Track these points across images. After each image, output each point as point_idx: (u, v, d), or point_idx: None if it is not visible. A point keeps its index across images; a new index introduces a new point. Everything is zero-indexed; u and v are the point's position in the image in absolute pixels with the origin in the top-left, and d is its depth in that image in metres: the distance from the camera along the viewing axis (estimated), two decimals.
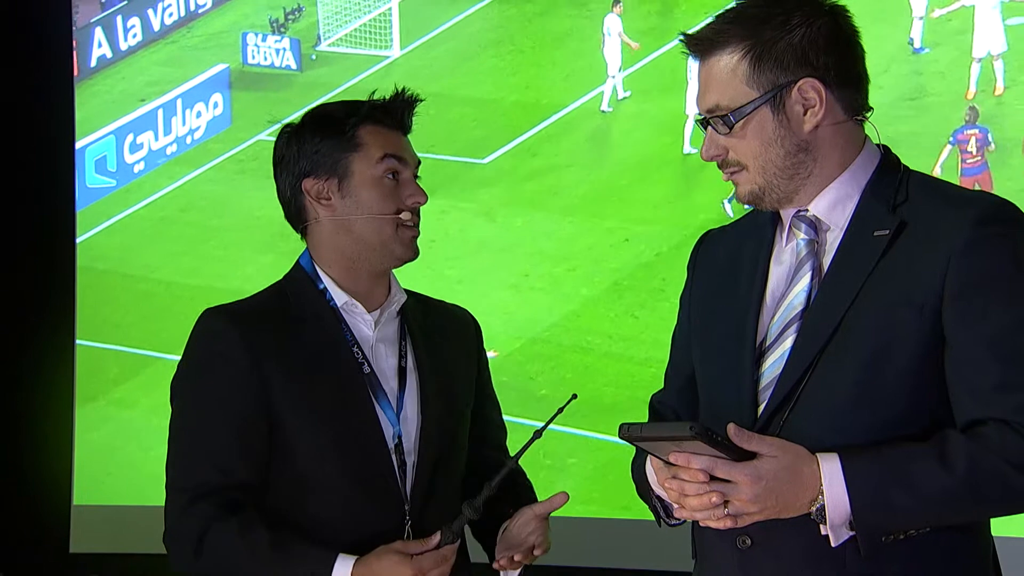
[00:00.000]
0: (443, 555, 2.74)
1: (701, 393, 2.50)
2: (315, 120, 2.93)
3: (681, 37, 2.41)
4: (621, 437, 2.23)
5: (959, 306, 2.25)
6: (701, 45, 2.38)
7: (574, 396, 2.76)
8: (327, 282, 2.90)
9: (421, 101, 2.95)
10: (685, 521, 2.43)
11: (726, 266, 2.49)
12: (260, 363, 2.81)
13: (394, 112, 2.91)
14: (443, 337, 2.99)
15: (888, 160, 2.42)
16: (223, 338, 2.84)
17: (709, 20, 2.42)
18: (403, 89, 2.94)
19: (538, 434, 2.73)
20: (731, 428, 2.23)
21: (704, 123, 2.40)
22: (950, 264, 2.26)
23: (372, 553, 2.74)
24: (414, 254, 2.90)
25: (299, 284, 2.92)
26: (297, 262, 2.95)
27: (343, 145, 2.88)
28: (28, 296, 5.34)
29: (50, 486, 5.21)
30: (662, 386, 2.66)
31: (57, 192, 5.34)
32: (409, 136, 2.96)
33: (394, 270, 2.97)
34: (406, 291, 3.01)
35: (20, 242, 5.37)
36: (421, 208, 2.93)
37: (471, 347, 3.06)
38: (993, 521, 2.37)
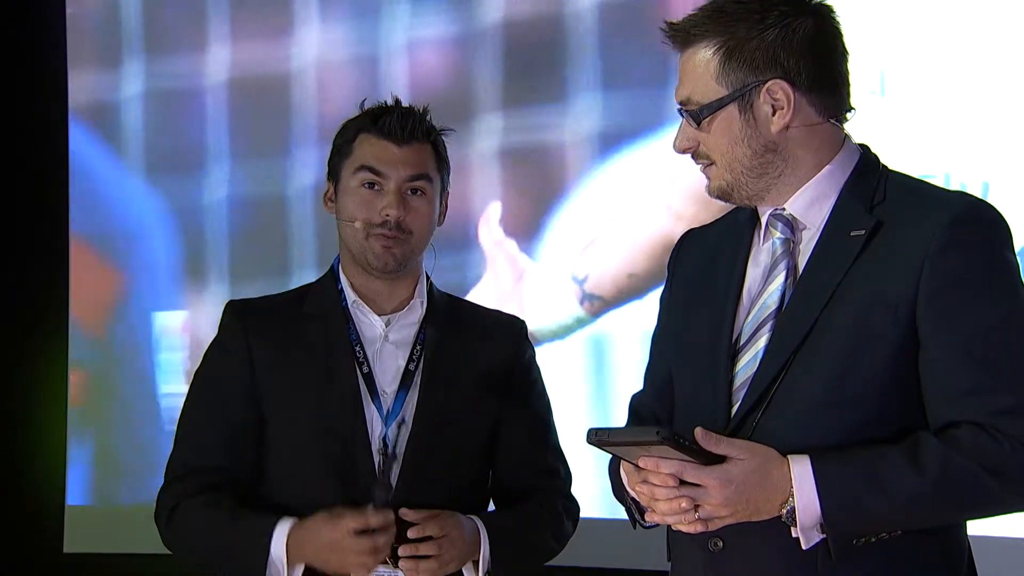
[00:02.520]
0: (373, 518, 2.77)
1: (676, 393, 2.48)
2: (344, 124, 3.00)
3: (662, 26, 2.40)
4: (589, 442, 2.22)
5: (934, 308, 2.24)
6: (679, 36, 2.38)
7: None
8: (344, 281, 2.97)
9: (418, 110, 2.94)
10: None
11: (704, 265, 2.48)
12: (255, 357, 2.93)
13: (384, 123, 2.91)
14: (471, 347, 2.97)
15: (867, 160, 2.40)
16: (228, 330, 2.99)
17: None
18: (397, 100, 2.97)
19: None
20: (698, 432, 2.21)
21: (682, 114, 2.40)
22: (925, 265, 2.24)
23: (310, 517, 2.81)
24: (387, 264, 2.89)
25: (324, 281, 3.01)
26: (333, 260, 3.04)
27: (343, 150, 2.96)
28: (22, 297, 5.34)
29: (43, 486, 5.21)
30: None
31: (49, 194, 5.34)
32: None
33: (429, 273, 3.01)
34: (449, 295, 3.05)
35: (15, 245, 5.37)
36: None
37: (504, 360, 3.00)
38: (969, 521, 2.36)
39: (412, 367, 2.92)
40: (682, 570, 2.41)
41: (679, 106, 2.39)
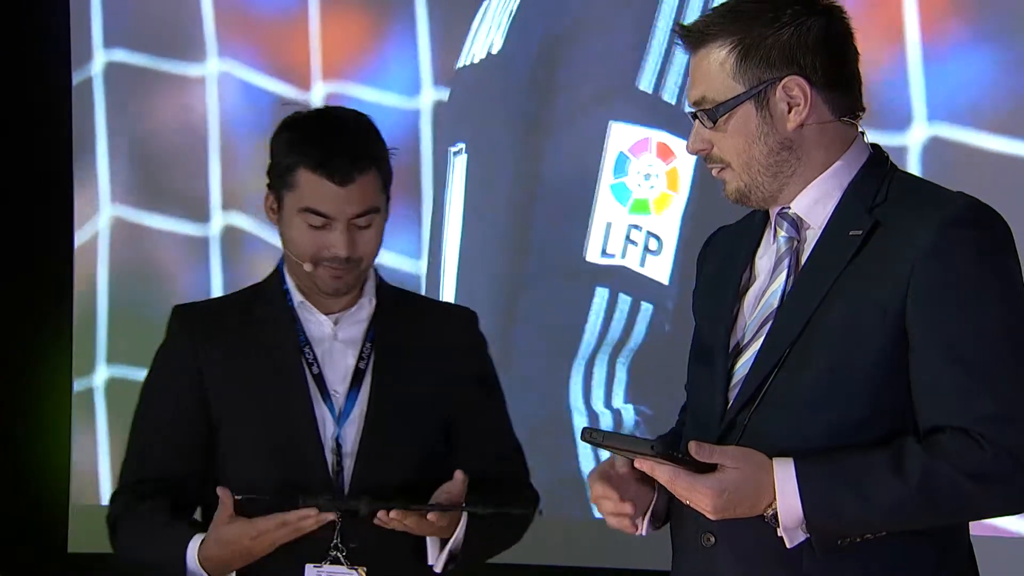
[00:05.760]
0: (285, 519, 2.74)
1: (687, 392, 2.53)
2: (279, 134, 2.92)
3: (675, 28, 2.43)
4: (583, 440, 2.26)
5: (922, 310, 2.25)
6: (692, 37, 2.40)
7: None
8: (289, 282, 2.94)
9: (361, 135, 2.88)
10: (664, 526, 2.46)
11: (722, 264, 2.51)
12: (203, 362, 2.91)
13: (331, 167, 2.83)
14: (422, 341, 2.97)
15: (875, 159, 2.41)
16: (174, 336, 2.97)
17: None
18: (348, 142, 2.86)
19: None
20: (692, 446, 2.24)
21: (694, 116, 2.42)
22: (915, 267, 2.25)
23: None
24: (337, 291, 2.88)
25: (270, 283, 2.98)
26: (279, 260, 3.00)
27: (284, 179, 2.88)
28: (23, 294, 5.34)
29: (48, 485, 5.22)
30: None
31: (52, 194, 5.34)
32: None
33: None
34: (398, 290, 3.03)
35: (16, 243, 5.38)
36: None
37: (457, 352, 3.01)
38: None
39: (362, 365, 2.92)
40: (681, 564, 2.43)
41: (692, 108, 2.41)
